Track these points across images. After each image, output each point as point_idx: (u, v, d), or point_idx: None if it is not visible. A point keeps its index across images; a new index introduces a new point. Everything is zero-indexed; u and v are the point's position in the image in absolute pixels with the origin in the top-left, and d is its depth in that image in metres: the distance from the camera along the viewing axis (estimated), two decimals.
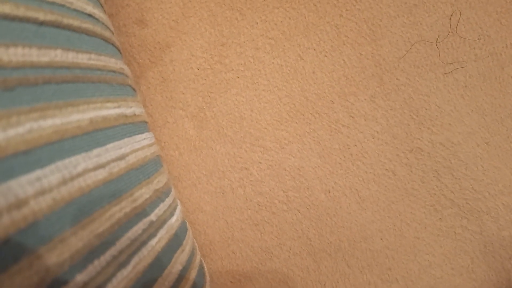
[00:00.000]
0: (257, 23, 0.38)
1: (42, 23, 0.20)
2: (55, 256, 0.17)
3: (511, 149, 0.37)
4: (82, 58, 0.23)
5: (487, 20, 0.38)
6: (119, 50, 0.32)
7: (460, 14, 0.38)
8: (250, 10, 0.38)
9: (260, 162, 0.38)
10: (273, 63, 0.38)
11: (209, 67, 0.38)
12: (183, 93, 0.38)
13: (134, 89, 0.31)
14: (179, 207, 0.33)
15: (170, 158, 0.38)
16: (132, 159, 0.25)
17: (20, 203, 0.16)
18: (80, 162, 0.20)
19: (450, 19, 0.38)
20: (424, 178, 0.38)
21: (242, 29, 0.38)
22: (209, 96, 0.38)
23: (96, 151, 0.21)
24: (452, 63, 0.38)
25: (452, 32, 0.38)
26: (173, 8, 0.38)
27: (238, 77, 0.38)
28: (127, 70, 0.30)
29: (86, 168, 0.20)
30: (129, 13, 0.38)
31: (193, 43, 0.38)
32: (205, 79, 0.38)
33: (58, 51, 0.21)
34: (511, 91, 0.38)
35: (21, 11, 0.19)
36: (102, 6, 0.30)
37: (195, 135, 0.38)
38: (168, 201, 0.30)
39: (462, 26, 0.38)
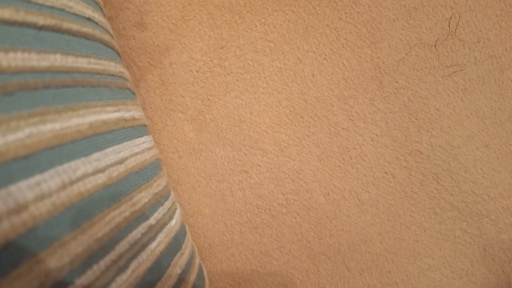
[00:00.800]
0: (256, 26, 0.38)
1: (41, 28, 0.20)
2: (54, 261, 0.17)
3: (511, 152, 0.38)
4: (82, 62, 0.23)
5: (487, 23, 0.38)
6: (118, 54, 0.32)
7: (460, 17, 0.38)
8: (250, 13, 0.38)
9: (259, 165, 0.38)
10: (272, 66, 0.38)
11: (208, 70, 0.38)
12: (182, 96, 0.38)
13: (133, 93, 0.31)
14: (178, 210, 0.33)
15: (169, 161, 0.38)
16: (131, 163, 0.25)
17: (19, 208, 0.16)
18: (80, 166, 0.20)
19: (449, 22, 0.38)
20: (423, 181, 0.38)
21: (241, 32, 0.38)
22: (208, 99, 0.38)
23: (95, 155, 0.21)
24: (451, 66, 0.38)
25: (451, 35, 0.38)
26: (172, 11, 0.38)
27: (237, 80, 0.38)
28: (126, 73, 0.31)
29: (86, 172, 0.20)
30: (129, 16, 0.38)
31: (192, 46, 0.38)
32: (205, 82, 0.38)
33: (58, 56, 0.21)
34: (511, 94, 0.38)
35: (20, 16, 0.19)
36: (101, 9, 0.30)
37: (195, 138, 0.38)
38: (167, 204, 0.30)
39: (462, 29, 0.38)
